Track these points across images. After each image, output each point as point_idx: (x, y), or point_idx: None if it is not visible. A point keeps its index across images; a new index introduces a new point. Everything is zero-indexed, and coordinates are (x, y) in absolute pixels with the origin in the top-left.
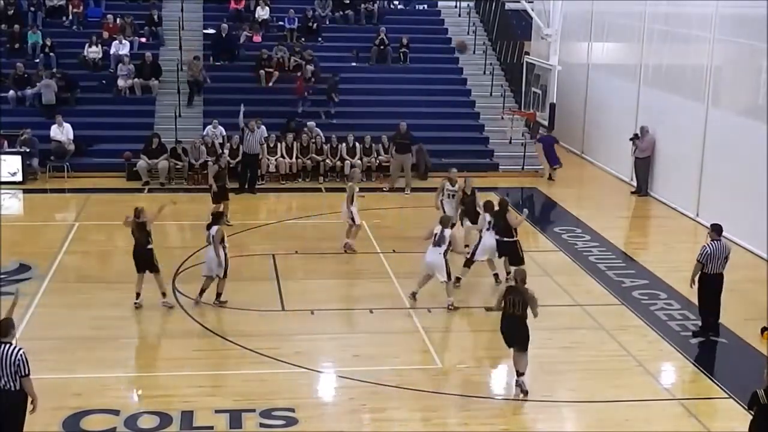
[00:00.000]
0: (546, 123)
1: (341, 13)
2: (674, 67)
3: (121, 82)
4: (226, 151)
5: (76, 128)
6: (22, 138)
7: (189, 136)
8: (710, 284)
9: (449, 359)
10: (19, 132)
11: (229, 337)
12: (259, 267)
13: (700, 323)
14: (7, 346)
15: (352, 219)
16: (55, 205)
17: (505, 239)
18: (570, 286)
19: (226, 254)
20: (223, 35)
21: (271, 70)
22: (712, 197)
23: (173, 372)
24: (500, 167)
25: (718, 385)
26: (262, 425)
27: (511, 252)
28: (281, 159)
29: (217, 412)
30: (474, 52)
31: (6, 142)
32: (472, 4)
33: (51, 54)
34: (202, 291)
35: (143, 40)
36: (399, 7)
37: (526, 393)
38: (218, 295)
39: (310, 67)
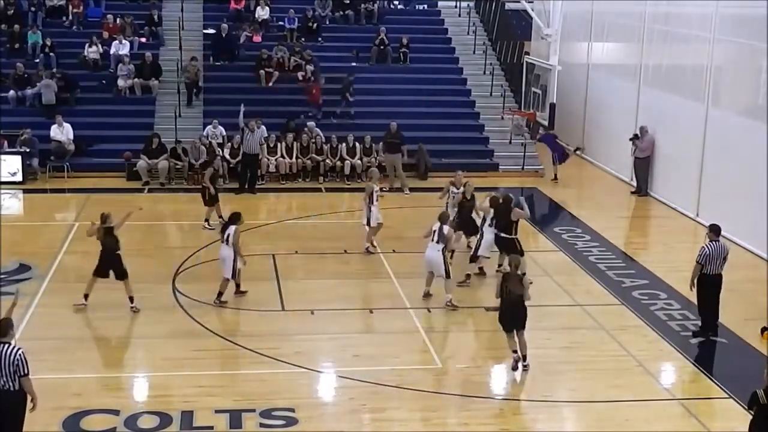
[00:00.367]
0: (546, 123)
1: (341, 13)
2: (674, 67)
3: (121, 82)
4: (226, 152)
5: (76, 128)
6: (22, 138)
7: (189, 136)
8: (709, 285)
9: (449, 359)
10: (19, 132)
11: (229, 337)
12: (259, 267)
13: (700, 323)
14: (6, 346)
15: (368, 220)
16: (55, 205)
17: (503, 235)
18: (570, 286)
19: (236, 256)
20: (223, 35)
21: (271, 70)
22: (712, 197)
23: (173, 372)
24: (500, 167)
25: (718, 385)
26: (262, 425)
27: (510, 248)
28: (281, 159)
29: (217, 412)
30: (474, 52)
31: (6, 142)
32: (472, 4)
33: (51, 54)
34: (238, 286)
35: (143, 40)
36: (399, 7)
37: (527, 367)
38: (219, 294)
39: (310, 67)
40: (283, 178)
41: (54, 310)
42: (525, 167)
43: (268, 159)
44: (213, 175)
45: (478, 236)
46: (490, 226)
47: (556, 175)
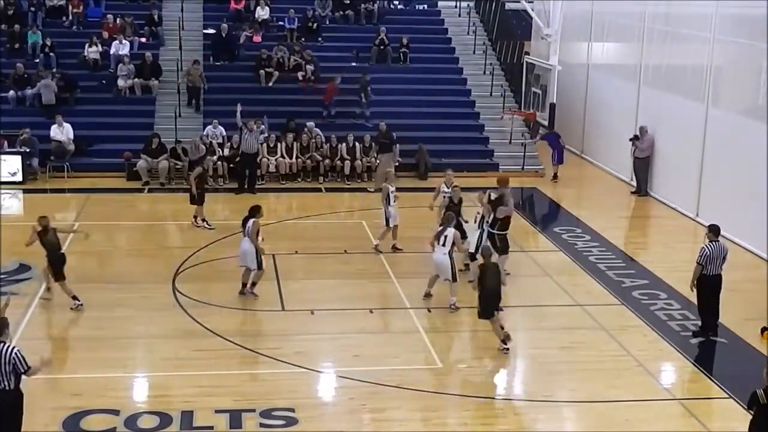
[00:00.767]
0: (546, 123)
1: (341, 13)
2: (674, 67)
3: (121, 82)
4: (226, 152)
5: (76, 128)
6: (22, 138)
7: (189, 136)
8: (709, 285)
9: (449, 359)
10: (19, 132)
11: (229, 337)
12: None
13: (700, 323)
14: (2, 345)
15: (387, 220)
16: (55, 205)
17: (501, 232)
18: (570, 286)
19: (259, 247)
20: (223, 35)
21: (271, 70)
22: (712, 197)
23: (173, 372)
24: (500, 167)
25: (718, 385)
26: (262, 425)
27: (504, 246)
28: (281, 159)
29: (217, 412)
30: (474, 52)
31: (6, 142)
32: (472, 4)
33: (51, 54)
34: (244, 284)
35: (143, 40)
36: (399, 7)
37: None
38: (253, 284)
39: (310, 67)
40: (283, 178)
41: (54, 310)
42: (525, 167)
43: (268, 159)
44: (201, 175)
45: (478, 234)
46: (487, 222)
47: (555, 174)
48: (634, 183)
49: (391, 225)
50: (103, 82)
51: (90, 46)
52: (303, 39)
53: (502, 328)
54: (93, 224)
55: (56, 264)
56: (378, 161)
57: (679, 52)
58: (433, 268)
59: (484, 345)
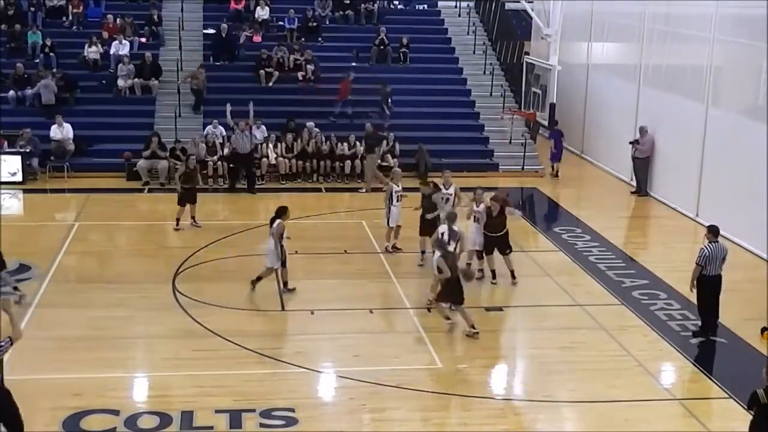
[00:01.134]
0: (546, 123)
1: (341, 13)
2: (674, 67)
3: (121, 82)
4: (225, 151)
5: (76, 128)
6: (23, 138)
7: (189, 136)
8: (709, 286)
9: (449, 359)
10: (19, 132)
11: (229, 337)
12: (259, 267)
13: (700, 323)
14: None
15: (387, 220)
16: (55, 205)
17: (496, 234)
18: (570, 286)
19: (283, 246)
20: (223, 35)
21: (271, 70)
22: (712, 197)
23: (173, 372)
24: (500, 167)
25: (718, 385)
26: (262, 425)
27: (502, 244)
28: (281, 159)
29: (217, 412)
30: (474, 52)
31: (6, 142)
32: (472, 4)
33: (51, 54)
34: (259, 279)
35: (143, 40)
36: (399, 7)
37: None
38: (285, 283)
39: (310, 67)
40: (283, 178)
41: (54, 310)
42: (525, 167)
43: (268, 158)
44: (185, 175)
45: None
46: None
47: (557, 172)
48: (634, 183)
49: (391, 225)
50: (103, 82)
51: (90, 46)
52: (303, 39)
53: (472, 326)
54: (93, 224)
55: None
56: (363, 162)
57: (679, 52)
58: (436, 269)
59: (484, 345)
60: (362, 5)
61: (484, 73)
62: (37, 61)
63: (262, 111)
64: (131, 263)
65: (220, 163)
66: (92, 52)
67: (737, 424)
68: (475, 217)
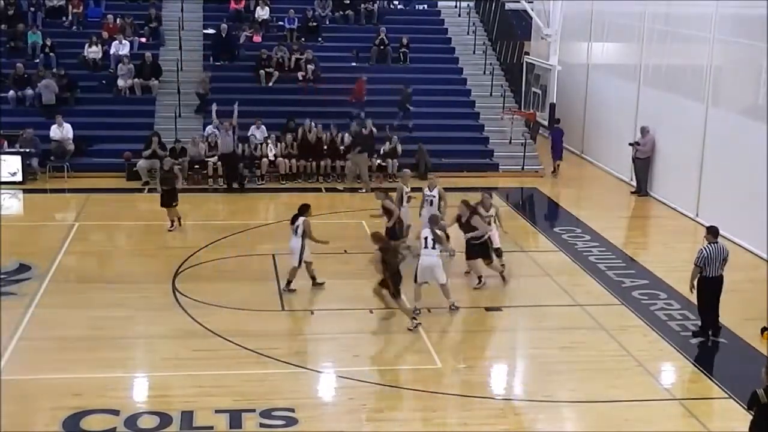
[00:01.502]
0: (546, 123)
1: (341, 13)
2: (674, 67)
3: (121, 82)
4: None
5: (76, 128)
6: (24, 138)
7: (189, 136)
8: (710, 287)
9: (449, 359)
10: (20, 132)
11: (229, 337)
12: (259, 267)
13: (699, 323)
14: None
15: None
16: (55, 205)
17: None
18: (570, 286)
19: (304, 247)
20: (223, 35)
21: (271, 70)
22: (712, 197)
23: (173, 372)
24: (500, 167)
25: (718, 385)
26: (262, 425)
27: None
28: (281, 159)
29: (217, 412)
30: (474, 52)
31: (6, 142)
32: (472, 4)
33: (51, 54)
34: (289, 282)
35: (143, 40)
36: (399, 7)
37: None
38: (288, 282)
39: (310, 67)
40: (283, 177)
41: (54, 310)
42: (525, 167)
43: (268, 158)
44: (163, 176)
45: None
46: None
47: (556, 168)
48: (634, 183)
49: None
50: (103, 82)
51: (90, 46)
52: (303, 39)
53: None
54: (93, 224)
55: None
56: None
57: (679, 52)
58: (423, 274)
59: (484, 345)
60: (362, 5)
61: (484, 73)
62: (37, 61)
63: (262, 111)
64: (131, 263)
65: (220, 163)
66: (92, 52)
67: (737, 424)
68: (487, 220)
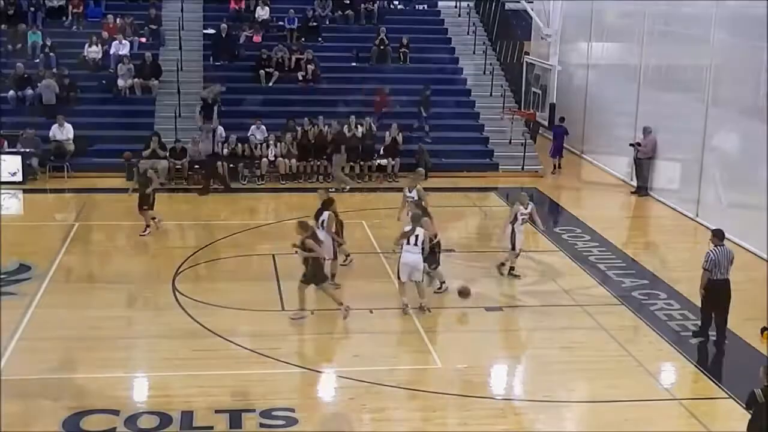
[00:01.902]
0: (546, 123)
1: (341, 13)
2: (674, 67)
3: (121, 82)
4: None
5: (76, 128)
6: (24, 138)
7: (189, 136)
8: (717, 290)
9: (449, 359)
10: (20, 132)
11: (229, 337)
12: (259, 267)
13: (699, 323)
14: None
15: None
16: (55, 205)
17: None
18: (570, 286)
19: (334, 239)
20: (223, 35)
21: (271, 70)
22: (712, 197)
23: (173, 372)
24: (500, 167)
25: (718, 385)
26: (262, 425)
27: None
28: (281, 159)
29: (217, 412)
30: (474, 52)
31: (6, 142)
32: (472, 4)
33: (51, 54)
34: (332, 275)
35: (143, 40)
36: (399, 7)
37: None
38: (332, 276)
39: (310, 67)
40: (283, 177)
41: (54, 310)
42: (525, 167)
43: (268, 158)
44: (139, 179)
45: (511, 233)
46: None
47: (556, 166)
48: (634, 183)
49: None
50: (103, 82)
51: (90, 46)
52: (303, 39)
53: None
54: (93, 224)
55: None
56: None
57: (679, 52)
58: (406, 271)
59: (484, 345)
60: (362, 5)
61: (484, 73)
62: (37, 61)
63: (262, 111)
64: (131, 263)
65: (220, 163)
66: (92, 52)
67: (737, 424)
68: (522, 219)
